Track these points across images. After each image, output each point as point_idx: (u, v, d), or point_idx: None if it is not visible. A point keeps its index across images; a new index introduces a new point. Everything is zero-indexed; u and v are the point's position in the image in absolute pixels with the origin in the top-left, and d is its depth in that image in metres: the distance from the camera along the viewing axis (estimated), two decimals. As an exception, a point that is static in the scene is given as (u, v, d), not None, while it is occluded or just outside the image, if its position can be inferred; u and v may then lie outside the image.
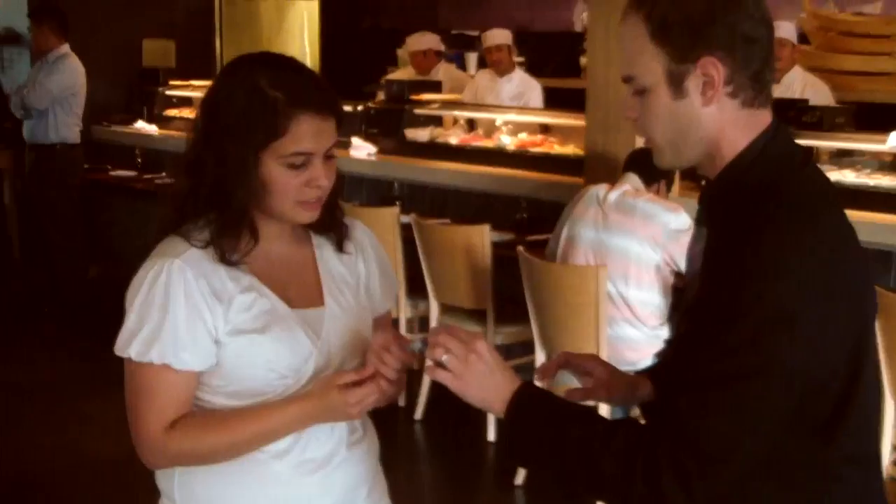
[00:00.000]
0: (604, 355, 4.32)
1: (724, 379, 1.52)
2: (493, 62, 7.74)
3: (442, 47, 8.19)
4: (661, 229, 4.33)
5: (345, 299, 2.04)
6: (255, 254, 1.96)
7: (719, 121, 1.64)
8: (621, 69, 1.70)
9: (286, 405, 1.92)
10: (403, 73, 8.21)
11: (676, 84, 1.63)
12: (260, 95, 1.88)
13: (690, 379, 1.56)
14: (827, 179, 1.74)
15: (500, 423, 1.71)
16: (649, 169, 4.56)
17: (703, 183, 1.84)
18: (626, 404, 2.10)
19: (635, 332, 4.37)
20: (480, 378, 1.67)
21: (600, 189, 4.54)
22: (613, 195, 4.45)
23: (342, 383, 1.86)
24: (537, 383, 1.83)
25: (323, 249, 2.08)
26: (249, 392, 1.93)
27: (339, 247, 2.09)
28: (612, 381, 1.99)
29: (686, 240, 4.48)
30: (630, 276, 4.37)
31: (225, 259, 1.92)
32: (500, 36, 7.71)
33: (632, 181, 4.50)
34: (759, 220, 1.55)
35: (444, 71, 8.18)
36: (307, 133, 1.89)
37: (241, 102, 1.89)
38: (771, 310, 1.50)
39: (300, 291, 2.01)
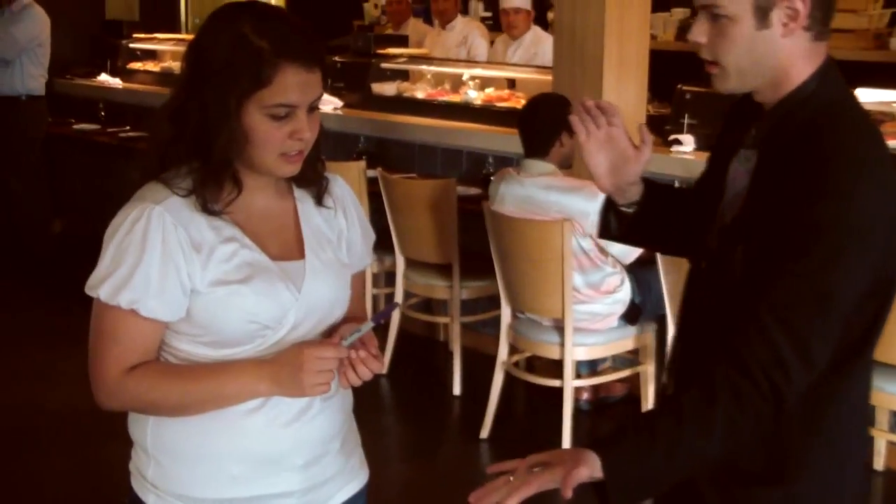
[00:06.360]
0: (568, 309, 4.35)
1: (809, 290, 1.63)
2: (437, 12, 7.79)
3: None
4: (585, 220, 4.29)
5: (325, 254, 2.04)
6: (237, 205, 1.95)
7: (792, 51, 1.75)
8: None
9: (242, 366, 1.92)
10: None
11: (762, 15, 1.72)
12: (245, 44, 1.85)
13: (767, 296, 1.65)
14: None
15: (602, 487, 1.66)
16: (544, 135, 4.45)
17: (729, 106, 1.95)
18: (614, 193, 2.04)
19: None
20: None
21: (511, 179, 4.51)
22: (525, 191, 4.42)
23: (313, 349, 1.89)
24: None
25: (304, 203, 2.07)
26: (229, 342, 1.93)
27: (319, 201, 2.08)
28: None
29: None
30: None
31: (207, 208, 1.91)
32: None
33: (540, 168, 4.45)
34: (831, 143, 1.67)
35: (412, 25, 8.15)
36: (292, 85, 1.87)
37: (226, 50, 1.86)
38: (849, 227, 1.63)
39: (281, 244, 2.00)
